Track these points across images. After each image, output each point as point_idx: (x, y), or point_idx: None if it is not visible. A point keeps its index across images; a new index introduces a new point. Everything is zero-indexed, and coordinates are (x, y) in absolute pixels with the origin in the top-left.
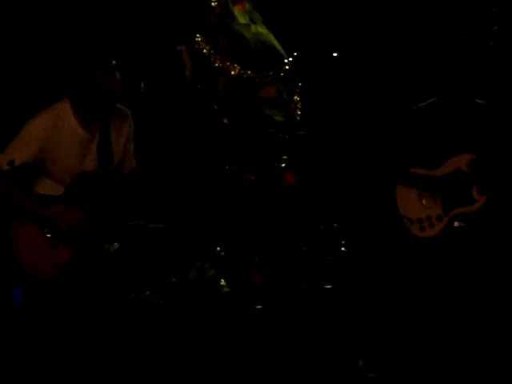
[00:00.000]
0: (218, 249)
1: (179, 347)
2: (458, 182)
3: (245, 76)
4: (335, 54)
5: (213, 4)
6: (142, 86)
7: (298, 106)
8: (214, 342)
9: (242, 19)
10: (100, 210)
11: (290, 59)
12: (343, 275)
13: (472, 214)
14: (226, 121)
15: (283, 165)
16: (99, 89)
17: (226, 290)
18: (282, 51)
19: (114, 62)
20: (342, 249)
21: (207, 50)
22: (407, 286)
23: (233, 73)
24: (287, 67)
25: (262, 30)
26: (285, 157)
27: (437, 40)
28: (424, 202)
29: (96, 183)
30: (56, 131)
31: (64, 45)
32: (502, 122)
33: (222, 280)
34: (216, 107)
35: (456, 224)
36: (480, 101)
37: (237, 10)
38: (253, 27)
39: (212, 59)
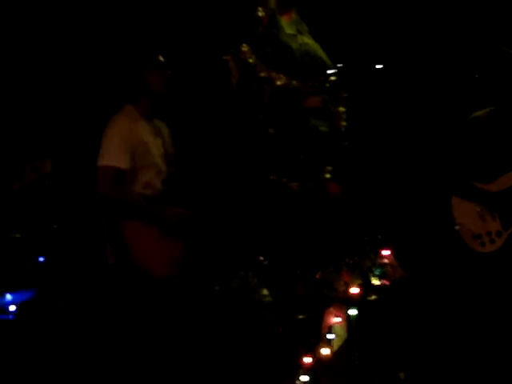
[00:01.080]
0: (261, 258)
1: (224, 356)
2: None
3: (290, 86)
4: (379, 66)
5: (260, 14)
6: (187, 93)
7: (344, 116)
8: (256, 350)
9: (289, 29)
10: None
11: (336, 70)
12: (385, 287)
13: None
14: (271, 130)
15: (328, 175)
16: (150, 82)
17: (268, 299)
18: (328, 62)
19: (161, 57)
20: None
21: (253, 59)
22: (461, 299)
23: (279, 83)
24: (333, 78)
25: (308, 40)
26: (329, 167)
27: (488, 50)
28: (483, 217)
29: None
30: (134, 134)
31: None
32: None
33: (265, 289)
34: (262, 117)
35: None
36: None
37: (284, 21)
38: (299, 38)
39: (258, 69)
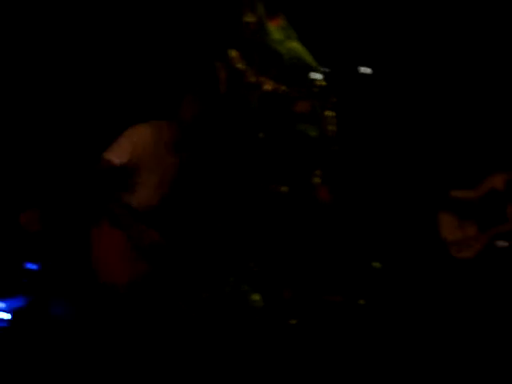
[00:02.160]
0: (252, 264)
1: (214, 361)
2: (494, 202)
3: (279, 91)
4: (368, 70)
5: (248, 20)
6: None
7: (333, 121)
8: (248, 355)
9: (277, 35)
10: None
11: (325, 75)
12: (376, 291)
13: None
14: (261, 135)
15: (317, 180)
16: (182, 110)
17: (260, 304)
18: (317, 67)
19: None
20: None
21: (242, 65)
22: (442, 303)
23: (267, 88)
24: (322, 83)
25: (296, 45)
26: (319, 172)
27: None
28: (461, 222)
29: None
30: (153, 146)
31: None
32: None
33: (257, 295)
34: (251, 122)
35: (499, 244)
36: None
37: (271, 26)
38: (287, 43)
39: (247, 74)
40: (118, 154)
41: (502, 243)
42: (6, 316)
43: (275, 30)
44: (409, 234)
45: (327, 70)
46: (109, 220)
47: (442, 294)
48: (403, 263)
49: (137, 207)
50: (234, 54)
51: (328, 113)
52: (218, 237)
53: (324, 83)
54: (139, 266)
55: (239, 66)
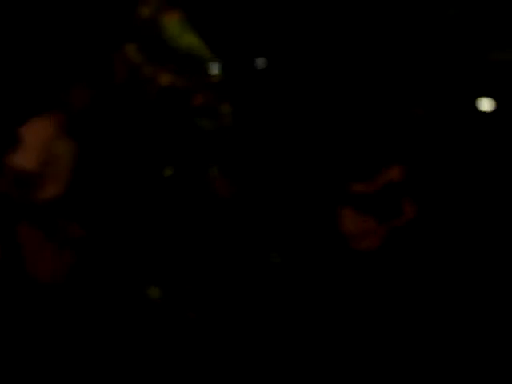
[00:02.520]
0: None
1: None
2: (390, 195)
3: (176, 85)
4: (263, 63)
5: (144, 12)
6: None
7: (229, 115)
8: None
9: (173, 28)
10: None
11: (221, 68)
12: (277, 291)
13: (407, 226)
14: (159, 130)
15: (214, 174)
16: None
17: (156, 297)
18: (214, 60)
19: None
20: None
21: (138, 58)
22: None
23: (164, 82)
24: (218, 76)
25: (192, 39)
26: (215, 166)
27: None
28: (361, 216)
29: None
30: (50, 139)
31: None
32: (439, 132)
33: (154, 289)
34: (147, 116)
35: (396, 236)
36: (419, 110)
37: (168, 19)
38: (184, 36)
39: (143, 68)
40: (26, 158)
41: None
42: None
43: (171, 23)
44: (309, 229)
45: (223, 63)
46: (26, 218)
47: (343, 287)
48: (303, 257)
49: (45, 201)
50: (129, 46)
51: (225, 106)
52: (119, 228)
53: (220, 77)
54: (64, 261)
55: (135, 59)
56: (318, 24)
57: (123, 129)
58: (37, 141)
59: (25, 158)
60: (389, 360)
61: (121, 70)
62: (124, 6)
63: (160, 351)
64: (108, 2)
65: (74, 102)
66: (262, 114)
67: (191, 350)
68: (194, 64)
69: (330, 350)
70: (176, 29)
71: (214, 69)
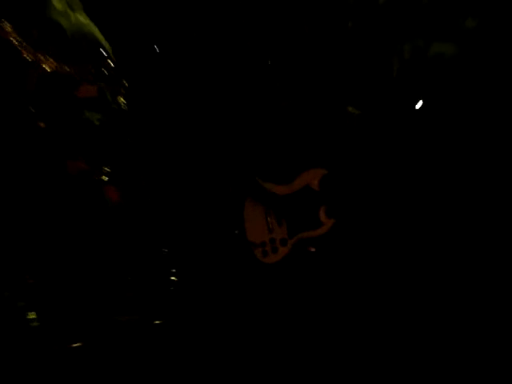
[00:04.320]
0: (28, 276)
1: None
2: (306, 202)
3: (61, 72)
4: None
5: None
6: None
7: (124, 108)
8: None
9: (59, 5)
10: None
11: (115, 54)
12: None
13: (319, 238)
14: (42, 124)
15: (104, 178)
16: None
17: (35, 324)
18: (107, 45)
19: None
20: (173, 278)
21: (17, 40)
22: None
23: (46, 68)
24: (112, 64)
25: (82, 19)
26: (106, 168)
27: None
28: (270, 222)
29: None
30: None
31: None
32: (371, 133)
33: (33, 313)
34: (29, 108)
35: (308, 249)
36: (352, 109)
37: None
38: (72, 15)
39: (22, 51)
40: None
41: (310, 249)
42: None
43: None
44: (212, 237)
45: (119, 49)
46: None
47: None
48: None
49: None
50: (7, 26)
51: (119, 99)
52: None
53: (114, 65)
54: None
55: (14, 41)
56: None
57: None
58: None
59: None
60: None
61: None
62: None
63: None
64: None
65: None
66: (162, 108)
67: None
68: (83, 48)
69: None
70: (62, 6)
71: (107, 54)
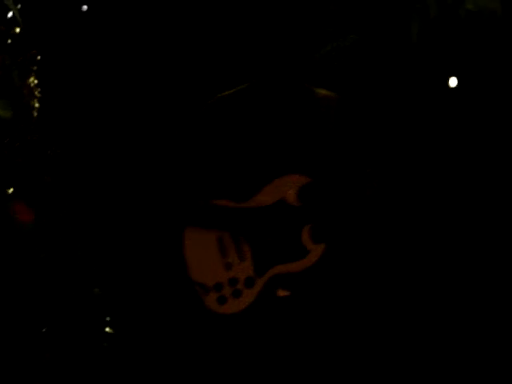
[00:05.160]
0: None
1: None
2: (280, 222)
3: None
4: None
5: None
6: None
7: (36, 93)
8: None
9: None
10: None
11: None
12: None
13: (304, 274)
14: None
15: (11, 191)
16: None
17: None
18: (12, 6)
19: None
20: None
21: None
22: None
23: None
24: (18, 30)
25: None
26: (10, 183)
27: None
28: (226, 255)
29: None
30: None
31: None
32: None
33: None
34: None
35: (280, 293)
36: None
37: None
38: None
39: None
40: None
41: (283, 292)
42: None
43: None
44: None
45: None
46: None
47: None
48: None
49: None
50: None
51: (30, 80)
52: None
53: (22, 31)
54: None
55: None
56: None
57: None
58: None
59: None
60: None
61: None
62: None
63: None
64: None
65: None
66: (87, 93)
67: None
68: None
69: None
70: None
71: (13, 15)
